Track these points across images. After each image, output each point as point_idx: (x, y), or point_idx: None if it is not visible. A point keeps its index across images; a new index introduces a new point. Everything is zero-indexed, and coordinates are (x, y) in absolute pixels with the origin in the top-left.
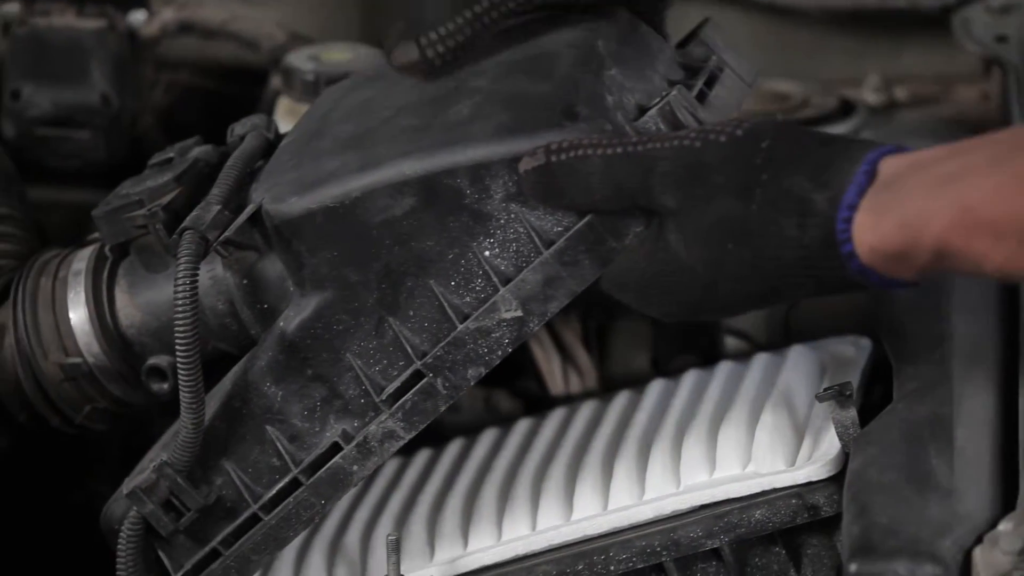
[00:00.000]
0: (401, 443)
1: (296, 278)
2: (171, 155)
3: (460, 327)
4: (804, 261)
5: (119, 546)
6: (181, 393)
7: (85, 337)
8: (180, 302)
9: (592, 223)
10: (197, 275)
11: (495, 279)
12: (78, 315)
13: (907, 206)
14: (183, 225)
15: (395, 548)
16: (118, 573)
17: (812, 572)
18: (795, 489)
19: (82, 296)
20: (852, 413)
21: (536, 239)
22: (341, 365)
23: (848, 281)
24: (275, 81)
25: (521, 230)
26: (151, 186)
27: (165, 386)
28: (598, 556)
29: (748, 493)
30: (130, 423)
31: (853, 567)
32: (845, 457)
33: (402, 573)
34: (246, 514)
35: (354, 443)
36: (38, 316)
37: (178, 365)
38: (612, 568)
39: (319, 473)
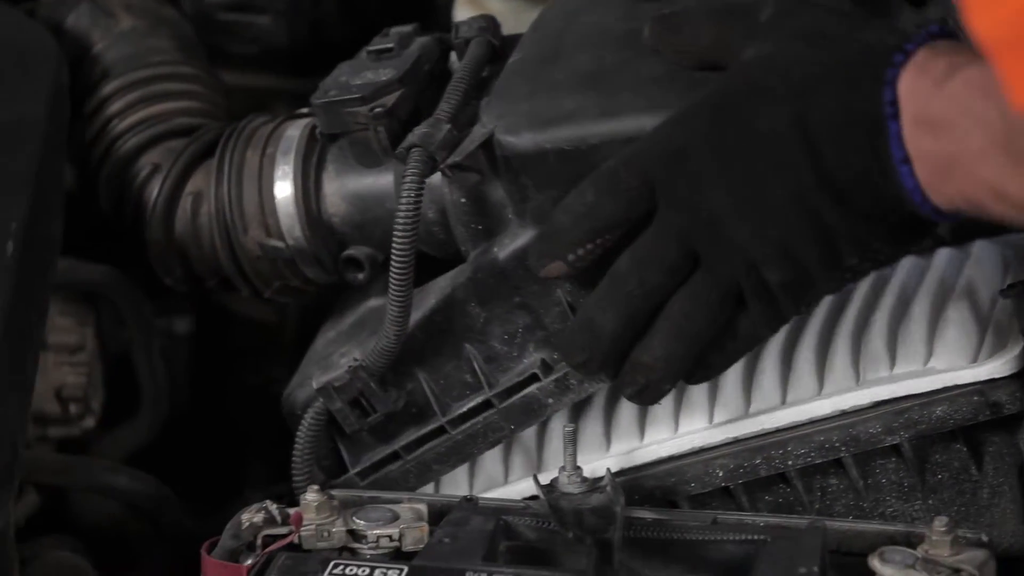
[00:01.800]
0: (601, 385)
1: (518, 208)
2: (390, 44)
3: None
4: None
5: (299, 433)
6: (388, 305)
7: (288, 220)
8: (402, 221)
9: None
10: (422, 194)
11: None
12: (284, 195)
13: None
14: (412, 142)
15: (572, 439)
16: (294, 458)
17: (993, 470)
18: (977, 386)
19: (290, 177)
20: None
21: None
22: (550, 299)
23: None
24: None
25: None
26: (373, 81)
27: (360, 276)
28: (776, 450)
29: (929, 389)
30: (303, 308)
31: None
32: None
33: (578, 464)
34: (433, 424)
35: (553, 376)
36: (243, 189)
37: (390, 280)
38: (790, 463)
39: (512, 399)
